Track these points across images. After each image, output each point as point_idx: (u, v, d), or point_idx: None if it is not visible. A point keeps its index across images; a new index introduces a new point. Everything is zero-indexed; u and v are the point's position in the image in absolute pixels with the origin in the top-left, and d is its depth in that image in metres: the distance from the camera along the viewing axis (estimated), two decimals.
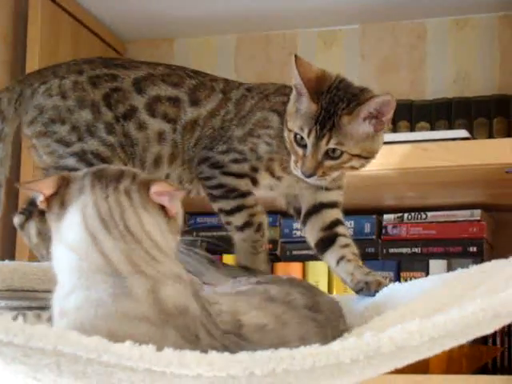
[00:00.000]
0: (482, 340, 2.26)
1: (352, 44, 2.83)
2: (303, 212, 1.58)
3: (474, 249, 2.42)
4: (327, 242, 1.54)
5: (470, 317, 0.91)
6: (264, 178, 1.54)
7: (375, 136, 1.45)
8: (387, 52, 2.80)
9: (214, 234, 2.59)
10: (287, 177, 1.53)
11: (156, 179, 1.09)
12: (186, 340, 0.94)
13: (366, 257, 2.46)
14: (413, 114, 2.55)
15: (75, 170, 1.43)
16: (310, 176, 1.42)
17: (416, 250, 2.47)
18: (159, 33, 2.91)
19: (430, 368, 2.20)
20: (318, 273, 2.48)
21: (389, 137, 2.42)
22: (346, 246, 1.53)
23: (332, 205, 1.57)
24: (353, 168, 1.45)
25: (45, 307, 1.04)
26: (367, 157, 1.46)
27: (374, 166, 2.30)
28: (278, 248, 2.57)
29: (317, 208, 1.56)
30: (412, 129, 2.54)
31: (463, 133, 2.33)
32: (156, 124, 1.52)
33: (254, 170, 1.53)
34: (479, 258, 2.39)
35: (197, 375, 0.79)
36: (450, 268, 2.40)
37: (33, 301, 1.24)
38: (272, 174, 1.53)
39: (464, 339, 0.93)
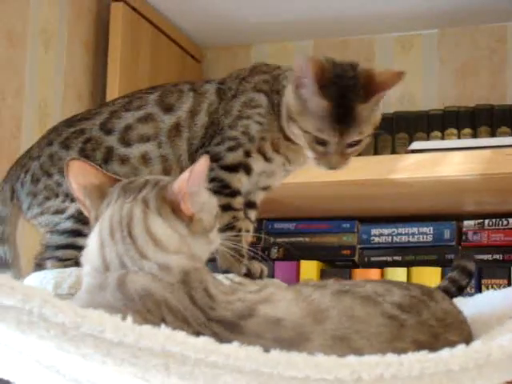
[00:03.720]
0: None
1: (430, 48, 2.80)
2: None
3: None
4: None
5: None
6: (257, 162, 1.55)
7: (377, 108, 1.46)
8: (466, 56, 2.76)
9: (292, 239, 2.58)
10: (278, 158, 1.55)
11: (175, 180, 1.13)
12: (149, 322, 0.96)
13: (445, 263, 2.45)
14: (494, 119, 2.51)
15: (74, 231, 1.51)
16: (334, 168, 1.45)
17: (497, 256, 2.43)
18: (237, 39, 2.92)
19: None
20: (397, 279, 2.46)
21: (470, 142, 2.40)
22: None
23: (268, 189, 1.61)
24: (366, 143, 1.48)
25: None
26: (375, 130, 1.48)
27: (454, 172, 2.30)
28: (356, 254, 2.56)
29: (265, 188, 1.61)
30: (493, 134, 2.50)
31: None
32: (135, 150, 1.54)
33: (248, 154, 1.54)
34: None
35: (305, 377, 0.79)
36: None
37: None
38: (264, 155, 1.54)
39: None
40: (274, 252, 2.57)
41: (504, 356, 0.83)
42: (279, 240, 2.60)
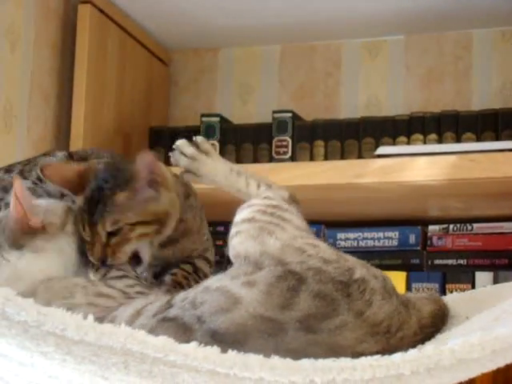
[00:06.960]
0: None
1: (397, 54, 2.82)
2: None
3: None
4: None
5: None
6: None
7: (159, 196, 1.42)
8: (432, 63, 2.79)
9: None
10: None
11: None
12: None
13: (410, 268, 2.47)
14: (459, 125, 2.53)
15: None
16: (103, 261, 1.40)
17: (462, 261, 2.45)
18: (204, 42, 2.92)
19: (476, 381, 2.18)
20: None
21: (435, 147, 2.42)
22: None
23: None
24: (144, 235, 1.41)
25: None
26: (153, 220, 1.42)
27: (420, 177, 2.31)
28: None
29: None
30: (458, 140, 2.52)
31: (510, 144, 2.31)
32: None
33: None
34: None
35: (259, 378, 0.80)
36: (496, 280, 2.37)
37: None
38: None
39: None
40: None
41: (455, 360, 0.84)
42: None
